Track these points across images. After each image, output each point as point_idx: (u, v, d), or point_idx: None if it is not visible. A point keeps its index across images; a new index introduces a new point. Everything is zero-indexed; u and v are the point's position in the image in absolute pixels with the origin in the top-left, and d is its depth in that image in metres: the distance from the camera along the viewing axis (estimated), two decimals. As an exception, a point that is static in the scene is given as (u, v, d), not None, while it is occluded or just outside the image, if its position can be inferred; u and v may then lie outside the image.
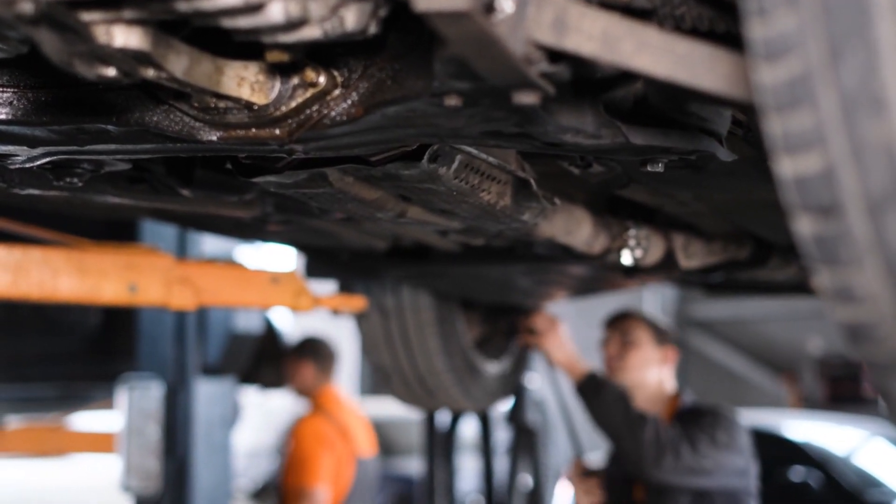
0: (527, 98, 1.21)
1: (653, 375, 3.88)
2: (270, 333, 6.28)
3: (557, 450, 11.56)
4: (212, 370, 5.68)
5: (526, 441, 5.48)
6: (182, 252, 5.27)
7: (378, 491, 6.66)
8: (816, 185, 0.87)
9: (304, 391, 6.28)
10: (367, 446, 6.38)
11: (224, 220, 2.57)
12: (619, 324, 3.95)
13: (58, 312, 5.28)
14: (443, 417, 5.34)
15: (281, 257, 5.93)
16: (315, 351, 6.28)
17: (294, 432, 6.20)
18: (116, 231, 4.73)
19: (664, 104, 1.50)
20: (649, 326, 3.92)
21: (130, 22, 1.13)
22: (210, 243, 5.46)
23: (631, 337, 3.90)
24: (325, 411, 6.24)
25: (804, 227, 0.89)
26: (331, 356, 6.34)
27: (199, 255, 5.34)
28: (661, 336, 3.91)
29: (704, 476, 3.55)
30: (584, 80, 1.35)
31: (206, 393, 5.69)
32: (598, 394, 3.74)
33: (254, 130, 1.42)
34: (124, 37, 1.13)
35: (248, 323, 5.71)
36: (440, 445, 5.40)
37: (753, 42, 0.88)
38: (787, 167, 0.88)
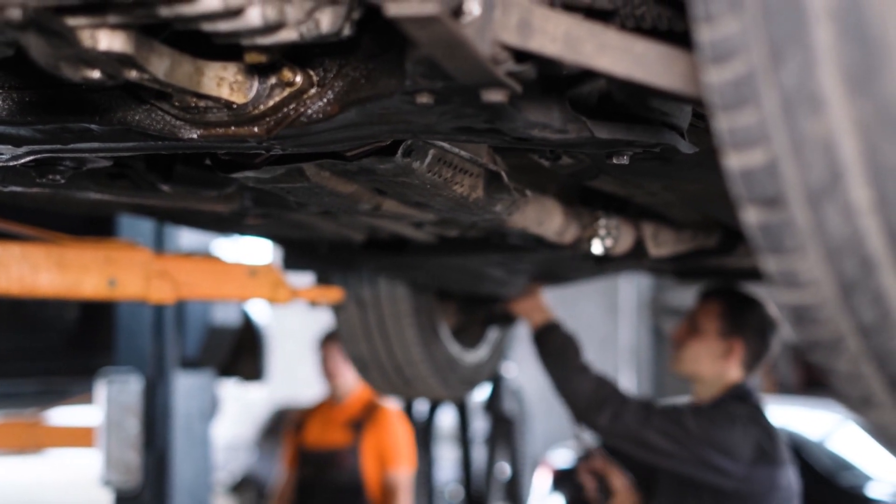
0: (495, 96, 1.26)
1: (709, 368, 3.63)
2: (248, 326, 6.31)
3: (534, 438, 11.63)
4: (190, 363, 5.71)
5: (503, 430, 5.54)
6: (159, 246, 5.30)
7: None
8: (761, 178, 0.93)
9: (350, 380, 6.13)
10: None
11: (203, 214, 2.61)
12: (697, 306, 3.73)
13: (35, 308, 5.30)
14: (421, 408, 5.39)
15: (256, 250, 5.96)
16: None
17: (380, 423, 6.04)
18: (94, 226, 4.76)
19: (627, 100, 1.56)
20: (723, 314, 3.65)
21: (114, 27, 1.18)
22: (187, 237, 5.49)
23: (697, 324, 3.68)
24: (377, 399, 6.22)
25: (751, 217, 0.95)
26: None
27: (176, 249, 5.38)
28: (731, 326, 3.63)
29: (651, 452, 3.42)
30: (550, 78, 1.41)
31: (185, 386, 5.72)
32: (547, 342, 3.64)
33: (233, 128, 1.47)
34: (108, 41, 1.18)
35: (226, 316, 5.74)
36: (419, 436, 5.46)
37: (701, 45, 0.94)
38: (734, 161, 0.94)
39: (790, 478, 3.53)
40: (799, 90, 0.89)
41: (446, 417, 6.60)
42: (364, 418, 6.11)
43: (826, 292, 0.95)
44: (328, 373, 6.23)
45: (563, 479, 9.08)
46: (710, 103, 0.95)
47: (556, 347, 3.63)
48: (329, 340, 6.22)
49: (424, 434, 5.51)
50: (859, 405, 1.00)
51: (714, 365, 3.63)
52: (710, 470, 3.41)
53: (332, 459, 6.19)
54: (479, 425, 6.17)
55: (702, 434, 3.41)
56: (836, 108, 0.88)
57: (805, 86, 0.89)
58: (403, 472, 5.92)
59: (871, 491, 7.48)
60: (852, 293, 0.93)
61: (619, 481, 3.75)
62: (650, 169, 2.17)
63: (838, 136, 0.89)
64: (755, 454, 3.43)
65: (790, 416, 8.78)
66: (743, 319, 3.65)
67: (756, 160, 0.92)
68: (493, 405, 5.44)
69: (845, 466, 7.93)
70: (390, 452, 5.96)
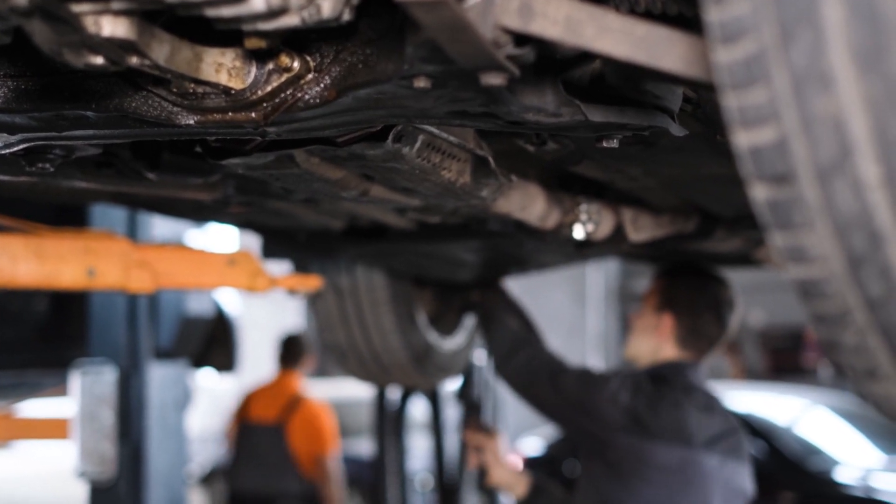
0: (494, 79, 1.28)
1: (645, 345, 3.51)
2: (220, 317, 6.31)
3: (506, 427, 11.66)
4: (164, 354, 5.71)
5: (475, 418, 5.53)
6: (132, 236, 5.28)
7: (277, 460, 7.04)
8: (771, 156, 0.95)
9: None
10: (260, 412, 7.07)
11: (184, 203, 2.61)
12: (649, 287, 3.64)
13: (6, 300, 5.28)
14: (393, 397, 5.40)
15: (224, 238, 5.99)
16: (280, 343, 7.26)
17: None
18: (67, 216, 4.73)
19: (621, 82, 1.57)
20: (662, 289, 3.53)
21: (118, 13, 1.19)
22: (160, 227, 5.48)
23: (644, 301, 3.58)
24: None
25: (760, 194, 0.97)
26: (287, 348, 7.23)
27: (149, 238, 5.36)
28: (662, 300, 3.50)
29: (538, 405, 3.47)
30: (545, 60, 1.43)
31: (159, 377, 5.72)
32: (495, 314, 3.74)
33: (230, 114, 1.48)
34: (112, 27, 1.19)
35: (199, 306, 5.74)
36: (390, 425, 5.47)
37: (711, 25, 0.96)
38: (743, 140, 0.96)
39: (684, 460, 3.26)
40: (809, 68, 0.91)
41: (418, 406, 6.61)
42: None
43: (834, 267, 0.97)
44: None
45: (534, 467, 9.13)
46: (719, 83, 0.96)
47: (501, 315, 3.71)
48: None
49: (396, 423, 5.51)
50: (864, 378, 1.03)
51: (649, 341, 3.50)
52: (574, 428, 3.42)
53: None
54: (452, 414, 6.18)
55: (571, 392, 3.33)
56: (846, 86, 0.90)
57: (815, 64, 0.91)
58: None
59: (839, 475, 7.57)
60: (860, 267, 0.96)
61: (493, 456, 3.73)
62: (633, 153, 2.19)
63: (848, 114, 0.91)
64: (624, 421, 3.25)
65: (758, 401, 8.86)
66: (675, 294, 3.51)
67: (766, 138, 0.94)
68: (465, 393, 5.43)
69: (813, 451, 8.01)
70: None
